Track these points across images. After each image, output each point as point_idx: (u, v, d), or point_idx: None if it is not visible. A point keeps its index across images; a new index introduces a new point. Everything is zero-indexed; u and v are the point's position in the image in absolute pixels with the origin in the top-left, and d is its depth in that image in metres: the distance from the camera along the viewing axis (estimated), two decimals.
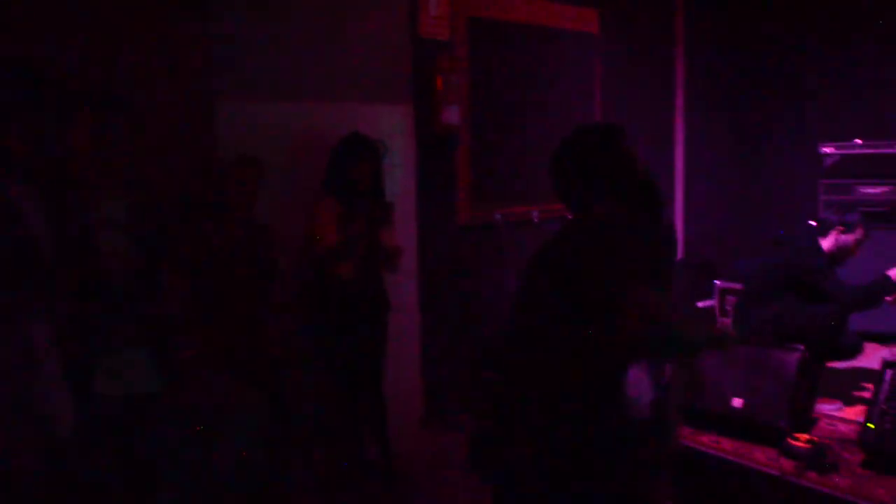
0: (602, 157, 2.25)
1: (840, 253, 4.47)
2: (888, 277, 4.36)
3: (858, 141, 5.61)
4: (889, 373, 3.68)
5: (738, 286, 5.76)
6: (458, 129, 4.77)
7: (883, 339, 5.38)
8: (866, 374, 4.82)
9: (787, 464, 3.60)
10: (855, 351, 4.48)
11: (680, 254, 6.61)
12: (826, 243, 4.46)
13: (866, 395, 4.35)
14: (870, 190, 5.52)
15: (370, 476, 4.04)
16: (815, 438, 3.67)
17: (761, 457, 3.70)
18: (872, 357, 4.74)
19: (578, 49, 5.53)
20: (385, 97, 4.43)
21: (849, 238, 4.42)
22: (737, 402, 3.93)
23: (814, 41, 6.24)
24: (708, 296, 6.19)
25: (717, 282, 6.19)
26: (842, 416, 4.24)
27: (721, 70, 6.61)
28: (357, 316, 3.81)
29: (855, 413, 4.25)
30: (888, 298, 4.38)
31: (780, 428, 3.74)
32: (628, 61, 5.98)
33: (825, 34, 6.19)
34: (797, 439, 3.68)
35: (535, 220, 5.25)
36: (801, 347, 3.94)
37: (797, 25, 6.35)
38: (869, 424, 3.59)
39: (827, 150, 5.65)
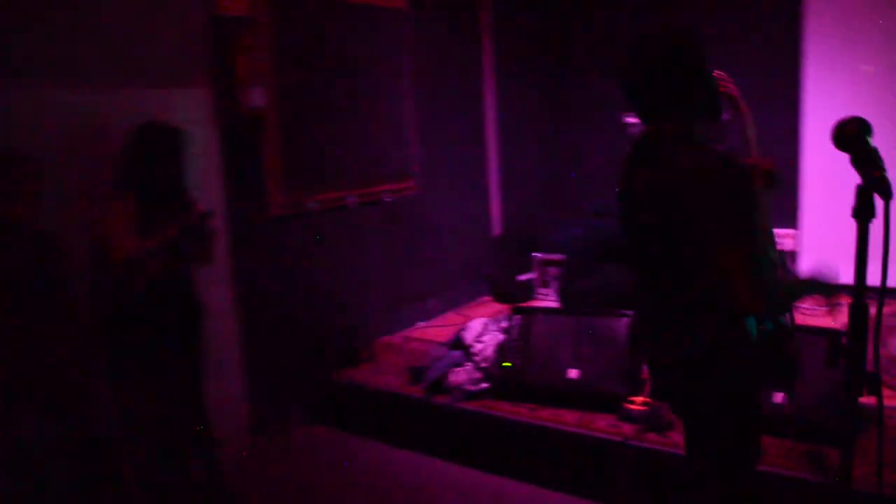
0: (685, 68, 2.08)
1: None
2: None
3: None
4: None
5: (558, 257, 5.86)
6: (263, 113, 4.41)
7: None
8: None
9: (628, 428, 3.65)
10: None
11: (498, 228, 6.64)
12: None
13: None
14: None
15: (198, 500, 3.65)
16: (649, 400, 3.74)
17: (602, 424, 3.73)
18: None
19: (388, 24, 5.32)
20: (180, 80, 3.99)
21: None
22: (573, 374, 3.94)
23: (620, 13, 6.43)
24: (528, 269, 6.25)
25: (536, 254, 6.27)
26: None
27: (530, 42, 6.68)
28: (165, 328, 3.36)
29: None
30: None
31: (619, 394, 3.79)
32: (438, 36, 5.86)
33: (632, 5, 6.42)
34: (633, 402, 3.74)
35: (352, 206, 5.01)
36: (629, 313, 4.01)
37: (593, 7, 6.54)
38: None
39: (630, 119, 5.83)
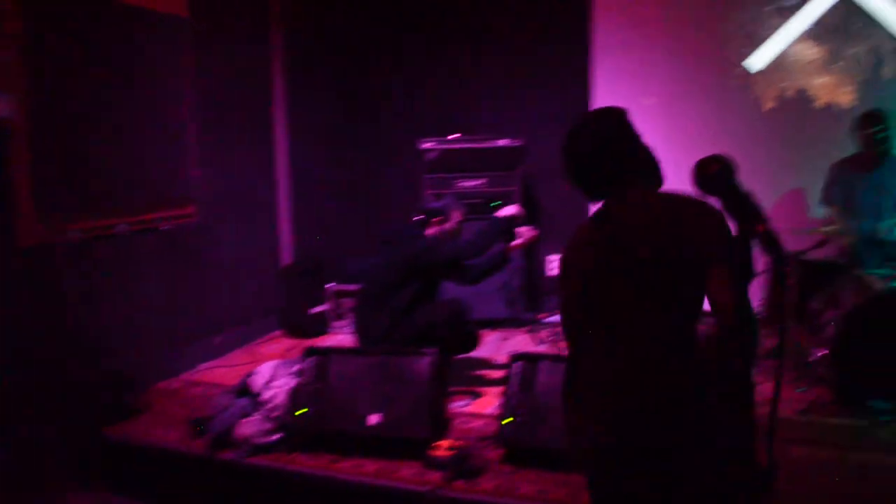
0: (632, 138, 2.08)
1: (448, 240, 4.48)
2: (496, 217, 4.46)
3: (454, 136, 5.76)
4: (517, 365, 3.68)
5: (352, 287, 5.57)
6: (10, 124, 3.75)
7: (487, 324, 5.59)
8: (482, 364, 4.92)
9: (434, 476, 3.41)
10: (475, 341, 4.50)
11: (289, 258, 6.24)
12: (430, 235, 4.43)
13: (492, 388, 4.38)
14: (468, 183, 5.70)
15: None
16: (457, 443, 3.54)
17: (407, 474, 3.46)
18: (484, 345, 4.83)
19: (167, 33, 4.78)
20: None
21: (449, 225, 4.45)
22: (374, 419, 3.64)
23: (416, 37, 6.29)
24: (321, 300, 5.90)
25: (329, 285, 5.94)
26: (473, 411, 4.22)
27: (325, 63, 6.36)
28: None
29: (484, 405, 4.26)
30: (515, 243, 4.47)
31: (422, 439, 3.55)
32: (224, 49, 5.38)
33: (425, 31, 6.29)
34: (438, 448, 3.51)
35: (123, 234, 4.43)
36: (432, 350, 3.80)
37: (395, 22, 6.35)
38: (506, 420, 3.55)
39: (427, 145, 5.71)
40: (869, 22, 5.42)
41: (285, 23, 6.03)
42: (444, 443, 3.53)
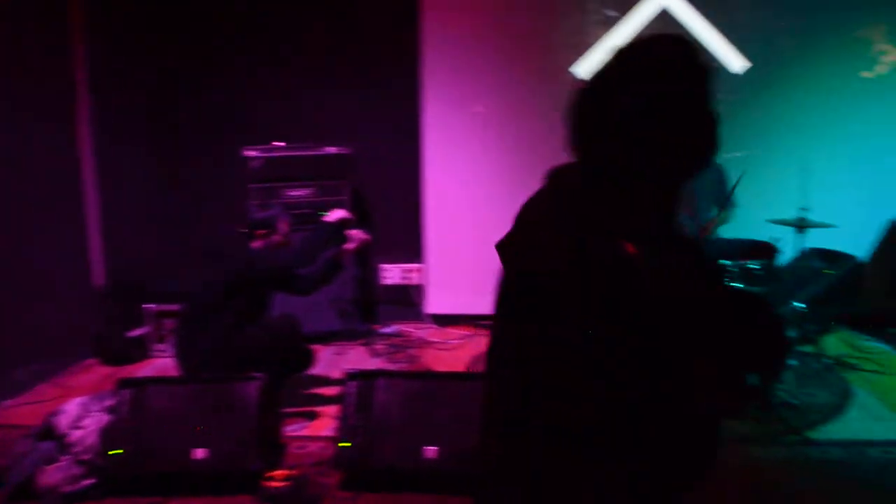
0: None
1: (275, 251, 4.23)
2: (324, 223, 4.27)
3: (280, 144, 5.49)
4: (353, 385, 3.51)
5: (174, 308, 5.16)
6: None
7: (320, 339, 5.38)
8: (316, 381, 4.69)
9: None
10: (309, 359, 4.28)
11: (101, 277, 5.71)
12: (257, 248, 4.17)
13: (328, 407, 4.18)
14: (294, 192, 5.45)
15: None
16: (292, 471, 3.32)
17: None
18: (317, 361, 4.61)
19: None
20: None
21: (276, 237, 4.20)
22: (199, 454, 3.35)
23: (239, 41, 5.92)
24: (139, 323, 5.44)
25: (148, 305, 5.48)
26: (308, 434, 3.99)
27: (136, 70, 5.84)
28: None
29: (320, 427, 4.05)
30: (347, 248, 4.29)
31: (255, 471, 3.29)
32: (14, 62, 4.81)
33: (250, 36, 5.94)
34: (273, 478, 3.28)
35: None
36: (260, 374, 3.55)
37: (216, 27, 5.94)
38: (343, 443, 3.37)
39: (251, 153, 5.41)
40: (686, 35, 5.69)
41: (88, 32, 5.51)
42: (279, 472, 3.30)
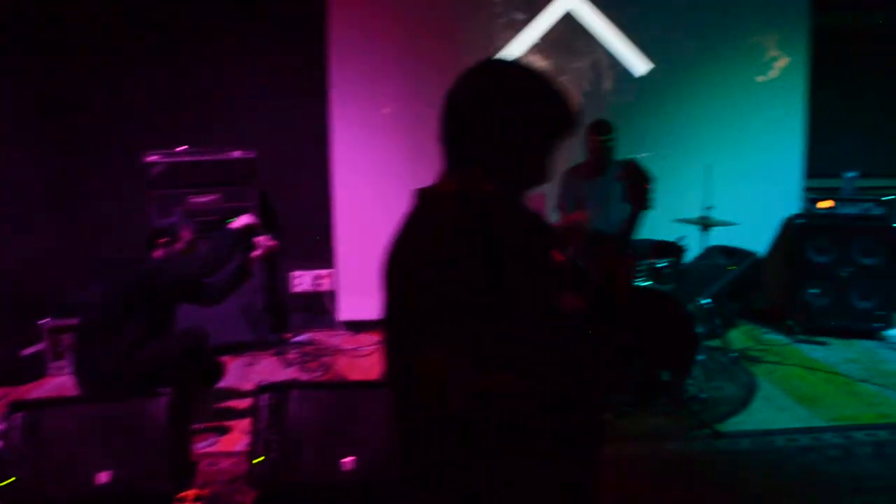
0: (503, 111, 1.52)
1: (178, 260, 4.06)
2: (229, 229, 4.12)
3: (183, 148, 5.28)
4: (265, 397, 3.39)
5: (72, 322, 4.89)
6: None
7: (230, 350, 5.21)
8: (227, 394, 4.54)
9: None
10: (219, 371, 4.12)
11: None
12: (158, 257, 3.99)
13: (240, 421, 4.04)
14: (200, 199, 5.25)
15: None
16: (204, 491, 3.18)
17: None
18: (228, 373, 4.46)
19: None
20: None
21: (179, 245, 4.02)
22: (103, 477, 3.17)
23: (137, 44, 5.63)
24: (35, 339, 5.15)
25: (44, 321, 5.19)
26: (220, 450, 3.84)
27: (24, 79, 5.49)
28: None
29: (232, 443, 3.90)
30: (255, 254, 4.14)
31: (164, 493, 3.14)
32: None
33: (146, 39, 5.67)
34: (184, 499, 3.14)
35: None
36: (167, 391, 3.39)
37: (113, 29, 5.64)
38: (257, 459, 3.25)
39: (152, 158, 5.17)
40: (590, 39, 5.80)
41: None
42: (191, 493, 3.18)
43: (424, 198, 1.55)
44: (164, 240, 4.00)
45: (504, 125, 1.49)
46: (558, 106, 1.53)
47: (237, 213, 4.43)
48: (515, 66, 1.56)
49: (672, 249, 4.68)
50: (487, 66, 1.56)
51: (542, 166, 1.57)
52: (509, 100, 1.49)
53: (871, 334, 5.52)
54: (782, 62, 5.94)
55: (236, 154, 5.35)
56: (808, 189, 5.99)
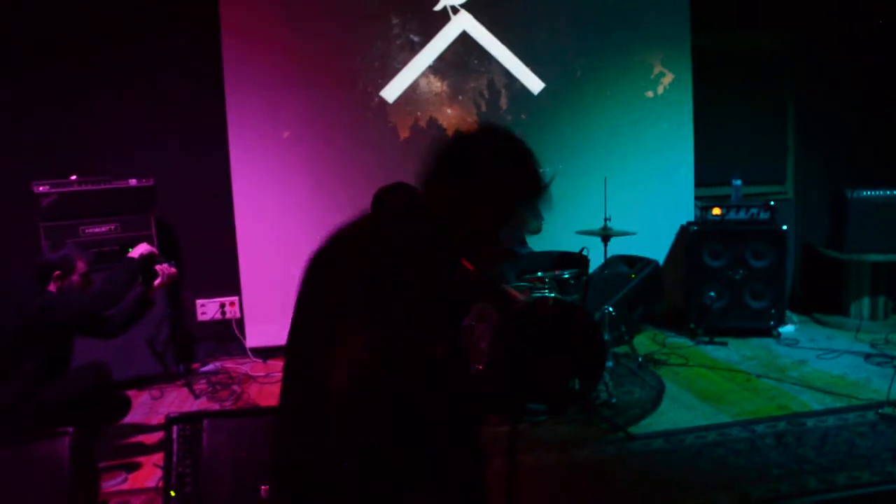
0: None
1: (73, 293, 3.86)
2: (127, 259, 3.94)
3: (73, 177, 5.06)
4: (175, 429, 3.27)
5: None
6: None
7: (135, 384, 5.01)
8: (134, 430, 4.36)
9: None
10: (124, 406, 3.94)
11: None
12: (52, 291, 3.79)
13: (151, 456, 3.89)
14: (96, 229, 5.04)
15: None
16: None
17: None
18: (135, 408, 4.29)
19: None
20: None
21: (74, 277, 3.82)
22: None
23: (21, 70, 5.38)
24: None
25: None
26: (131, 487, 3.68)
27: None
28: None
29: (143, 478, 3.75)
30: (157, 283, 3.98)
31: None
32: None
33: (34, 62, 5.40)
34: None
35: None
36: (69, 429, 3.22)
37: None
38: (171, 493, 3.13)
39: (42, 188, 4.94)
40: (485, 59, 5.92)
41: None
42: None
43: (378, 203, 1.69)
44: (59, 273, 3.80)
45: (490, 176, 1.61)
46: (537, 177, 1.70)
47: (136, 243, 4.26)
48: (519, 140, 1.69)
49: (575, 260, 4.81)
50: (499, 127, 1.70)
51: (499, 227, 1.67)
52: (504, 158, 1.64)
53: (767, 332, 5.80)
54: (668, 78, 6.22)
55: (132, 182, 5.16)
56: (699, 197, 6.27)
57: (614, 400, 4.45)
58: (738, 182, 5.98)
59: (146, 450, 4.08)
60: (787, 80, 6.53)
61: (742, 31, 6.37)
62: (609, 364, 4.76)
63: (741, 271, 5.78)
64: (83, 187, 5.06)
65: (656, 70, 6.20)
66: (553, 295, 4.43)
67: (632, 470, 3.72)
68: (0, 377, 3.56)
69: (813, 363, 5.18)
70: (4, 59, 5.37)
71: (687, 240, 6.02)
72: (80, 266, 3.83)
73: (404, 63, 5.83)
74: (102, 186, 5.10)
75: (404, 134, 5.88)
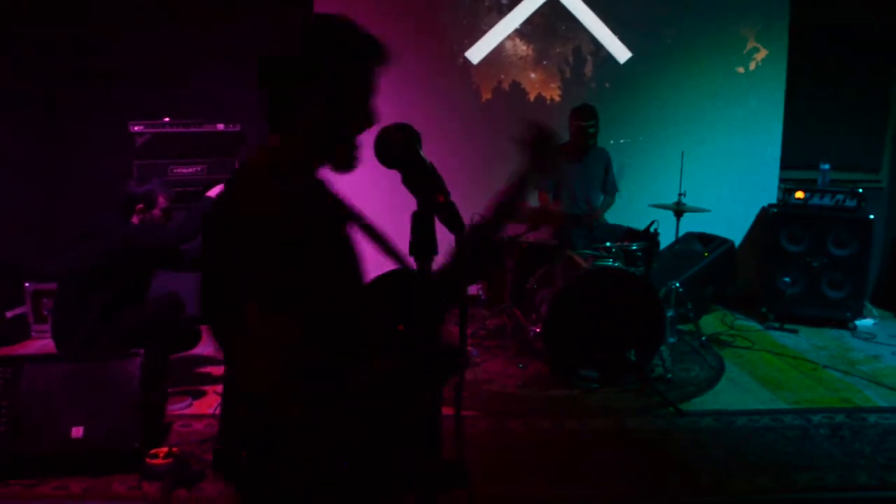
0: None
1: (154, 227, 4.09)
2: (206, 198, 4.11)
3: (166, 119, 5.32)
4: None
5: (53, 286, 4.95)
6: None
7: None
8: (204, 360, 4.62)
9: (151, 487, 3.12)
10: (196, 337, 4.17)
11: None
12: (135, 223, 4.01)
13: (216, 386, 4.13)
14: (183, 170, 5.31)
15: None
16: (175, 449, 3.27)
17: (121, 489, 3.15)
18: (205, 341, 4.52)
19: None
20: None
21: (155, 212, 4.03)
22: (77, 432, 3.25)
23: (120, 17, 5.66)
24: (18, 302, 5.21)
25: (27, 284, 5.25)
26: (195, 412, 3.93)
27: (4, 48, 5.51)
28: None
29: (207, 405, 3.99)
30: None
31: (136, 449, 3.23)
32: None
33: (132, 10, 5.68)
34: (156, 456, 3.22)
35: None
36: (141, 352, 3.46)
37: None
38: None
39: (137, 128, 5.22)
40: (572, 24, 5.87)
41: None
42: (162, 450, 3.25)
43: (242, 170, 1.58)
44: (141, 206, 4.02)
45: (308, 75, 1.52)
46: (364, 38, 1.60)
47: (218, 185, 4.47)
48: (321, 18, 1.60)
49: (645, 234, 4.78)
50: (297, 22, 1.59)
51: (365, 109, 1.58)
52: (318, 49, 1.52)
53: (842, 324, 5.62)
54: (762, 54, 6.02)
55: (220, 126, 5.40)
56: (784, 179, 6.08)
57: (670, 375, 4.44)
58: (827, 166, 5.76)
59: (212, 380, 4.33)
60: (891, 61, 6.22)
61: (845, 6, 6.08)
62: (671, 340, 4.75)
63: (821, 258, 5.60)
64: (174, 129, 5.33)
65: (750, 45, 6.01)
66: (618, 265, 4.43)
67: (677, 444, 3.73)
68: (84, 302, 3.83)
69: (888, 359, 5.00)
70: (106, 7, 5.66)
71: (766, 222, 5.87)
72: (162, 201, 4.05)
73: (491, 24, 5.84)
74: (192, 129, 5.35)
75: (486, 96, 5.91)
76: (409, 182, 1.49)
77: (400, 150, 1.49)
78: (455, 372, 1.60)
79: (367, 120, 1.56)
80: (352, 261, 1.52)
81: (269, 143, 1.56)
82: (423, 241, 1.47)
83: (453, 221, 1.47)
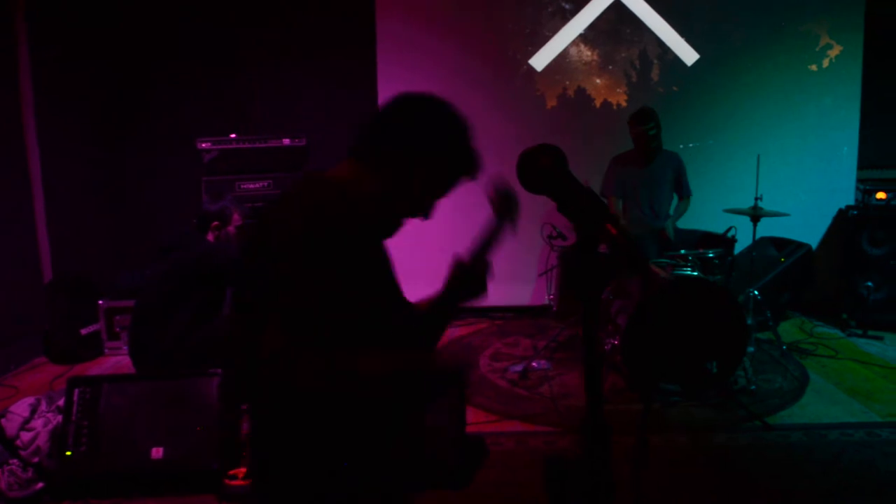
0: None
1: (230, 243, 4.10)
2: None
3: (233, 136, 5.36)
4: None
5: (128, 304, 5.01)
6: None
7: None
8: None
9: None
10: None
11: (50, 272, 5.52)
12: (211, 240, 4.03)
13: None
14: (250, 185, 5.34)
15: None
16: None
17: None
18: None
19: None
20: None
21: (230, 229, 4.05)
22: (156, 453, 3.25)
23: (189, 33, 5.76)
24: (92, 319, 5.29)
25: (100, 302, 5.32)
26: None
27: (82, 67, 5.64)
28: None
29: None
30: None
31: (214, 470, 3.21)
32: None
33: (200, 29, 5.78)
34: (234, 477, 3.20)
35: None
36: (219, 371, 3.46)
37: (166, 17, 5.77)
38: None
39: (204, 145, 5.27)
40: (638, 28, 5.74)
41: (31, 28, 5.28)
42: (241, 470, 3.23)
43: (308, 180, 1.63)
44: (217, 223, 4.04)
45: (419, 142, 1.62)
46: (468, 151, 1.68)
47: None
48: (448, 106, 1.72)
49: (721, 240, 4.62)
50: (425, 95, 1.72)
51: (426, 194, 1.66)
52: (433, 125, 1.66)
53: None
54: (836, 50, 5.80)
55: (286, 141, 5.41)
56: (862, 180, 5.85)
57: (753, 387, 4.27)
58: None
59: None
60: None
61: None
62: (750, 349, 4.58)
63: None
64: (241, 145, 5.36)
65: (823, 41, 5.80)
66: (696, 274, 4.29)
67: (767, 462, 3.57)
68: (163, 319, 3.84)
69: None
70: (172, 28, 5.73)
71: (845, 224, 5.65)
72: (236, 218, 4.07)
73: (555, 31, 5.75)
74: (258, 145, 5.38)
75: (551, 103, 5.81)
76: (563, 210, 1.35)
77: (548, 175, 1.37)
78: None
79: (425, 213, 1.68)
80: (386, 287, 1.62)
81: (345, 164, 1.64)
82: (587, 277, 1.31)
83: (629, 255, 1.28)
